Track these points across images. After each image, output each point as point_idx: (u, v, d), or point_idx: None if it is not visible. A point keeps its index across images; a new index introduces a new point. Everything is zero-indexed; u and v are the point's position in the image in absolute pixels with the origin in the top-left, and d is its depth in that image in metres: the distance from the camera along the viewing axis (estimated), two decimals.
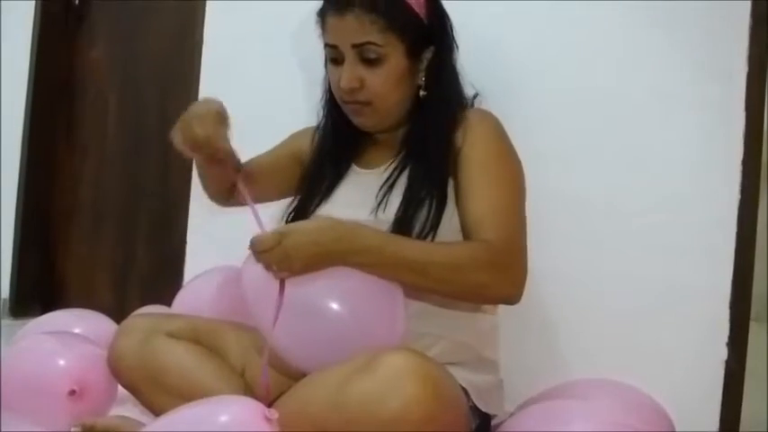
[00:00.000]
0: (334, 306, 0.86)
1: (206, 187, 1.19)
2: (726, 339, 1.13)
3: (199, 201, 1.74)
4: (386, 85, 0.99)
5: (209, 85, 1.73)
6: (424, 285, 0.90)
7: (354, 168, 1.09)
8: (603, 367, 1.18)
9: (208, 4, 1.74)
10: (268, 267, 0.86)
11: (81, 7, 2.16)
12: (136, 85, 2.06)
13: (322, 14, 1.02)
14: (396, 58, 0.99)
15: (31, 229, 2.17)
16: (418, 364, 0.74)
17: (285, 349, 0.89)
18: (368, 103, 1.01)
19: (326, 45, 1.02)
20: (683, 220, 1.17)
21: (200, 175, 1.17)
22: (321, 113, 1.14)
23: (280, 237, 0.84)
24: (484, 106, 1.10)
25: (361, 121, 1.04)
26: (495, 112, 1.05)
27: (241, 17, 1.68)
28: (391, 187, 0.99)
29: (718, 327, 1.13)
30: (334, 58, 1.01)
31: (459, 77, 1.07)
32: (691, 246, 1.17)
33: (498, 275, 0.89)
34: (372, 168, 1.07)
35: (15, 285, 2.15)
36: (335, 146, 1.10)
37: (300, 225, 0.91)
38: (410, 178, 0.99)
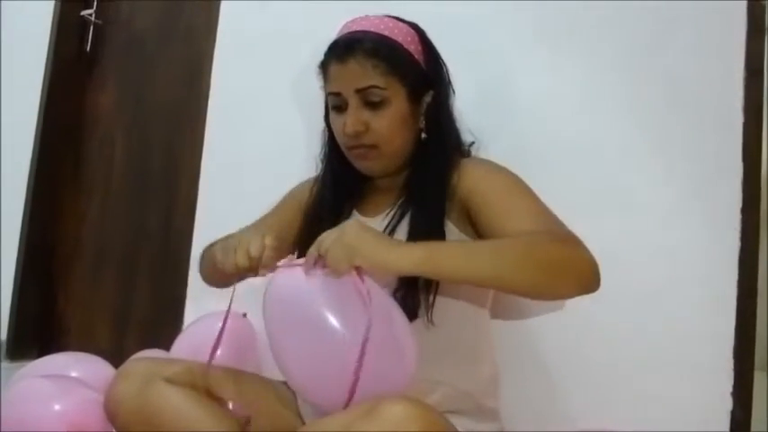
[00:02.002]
0: (340, 331, 0.81)
1: (210, 277, 1.17)
2: (730, 389, 1.12)
3: (201, 245, 1.75)
4: (390, 127, 1.01)
5: (215, 131, 1.77)
6: (498, 277, 0.84)
7: (356, 215, 1.10)
8: (608, 417, 1.16)
9: (216, 52, 1.79)
10: (323, 251, 0.82)
11: (92, 53, 2.22)
12: (142, 130, 2.09)
13: (324, 65, 1.05)
14: (398, 101, 1.02)
15: (32, 269, 2.16)
16: (419, 413, 0.73)
17: (293, 379, 0.87)
18: (373, 147, 1.02)
19: (330, 93, 1.05)
20: (684, 270, 1.17)
21: (212, 269, 1.07)
22: (321, 164, 1.15)
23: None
24: (486, 152, 1.13)
25: (367, 165, 1.05)
26: (499, 158, 1.07)
27: (248, 66, 1.73)
28: (392, 233, 1.00)
29: (723, 377, 1.12)
30: (338, 105, 1.04)
31: (457, 121, 1.10)
32: (693, 295, 1.16)
33: (572, 251, 0.85)
34: (373, 215, 1.08)
35: (14, 327, 2.13)
36: (336, 195, 1.10)
37: None
38: (411, 225, 0.99)
